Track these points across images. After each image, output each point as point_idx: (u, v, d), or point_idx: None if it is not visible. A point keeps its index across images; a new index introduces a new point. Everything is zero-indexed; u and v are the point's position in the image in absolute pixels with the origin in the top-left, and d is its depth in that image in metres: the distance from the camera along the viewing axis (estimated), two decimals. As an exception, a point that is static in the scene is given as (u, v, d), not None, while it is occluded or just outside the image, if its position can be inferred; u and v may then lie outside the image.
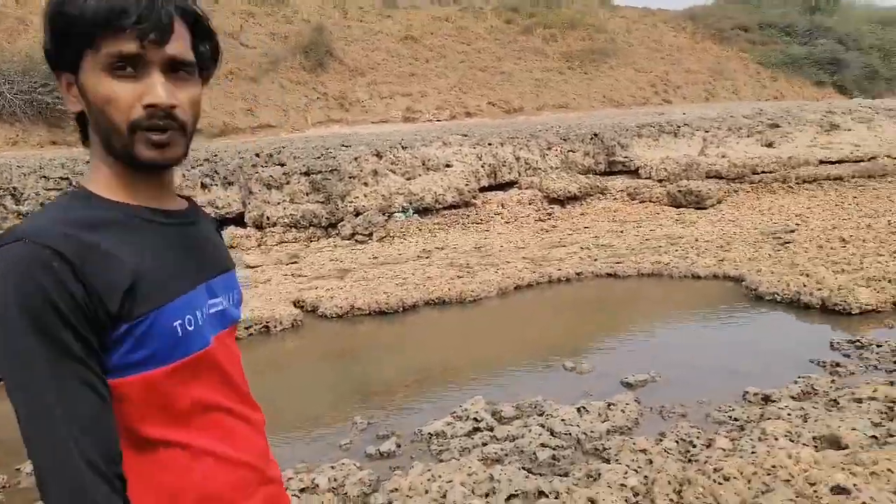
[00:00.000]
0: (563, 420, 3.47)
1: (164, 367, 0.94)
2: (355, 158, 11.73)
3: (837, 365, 4.12)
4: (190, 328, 0.97)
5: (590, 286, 6.87)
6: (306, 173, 11.26)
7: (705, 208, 11.67)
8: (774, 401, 3.60)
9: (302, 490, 3.08)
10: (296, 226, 10.58)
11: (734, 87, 19.59)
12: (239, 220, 10.68)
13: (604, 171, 13.72)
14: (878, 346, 4.31)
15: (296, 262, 8.94)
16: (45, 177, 9.82)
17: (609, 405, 3.65)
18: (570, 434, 3.37)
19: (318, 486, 3.10)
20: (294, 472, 3.22)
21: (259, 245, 10.15)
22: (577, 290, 6.78)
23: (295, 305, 6.47)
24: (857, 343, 4.42)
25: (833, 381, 3.78)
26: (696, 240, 8.48)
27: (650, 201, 12.47)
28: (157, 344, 0.93)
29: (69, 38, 0.92)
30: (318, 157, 11.52)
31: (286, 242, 10.23)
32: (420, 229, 10.72)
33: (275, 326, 5.90)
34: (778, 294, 5.60)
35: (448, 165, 12.56)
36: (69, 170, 10.00)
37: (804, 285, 5.51)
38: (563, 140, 13.99)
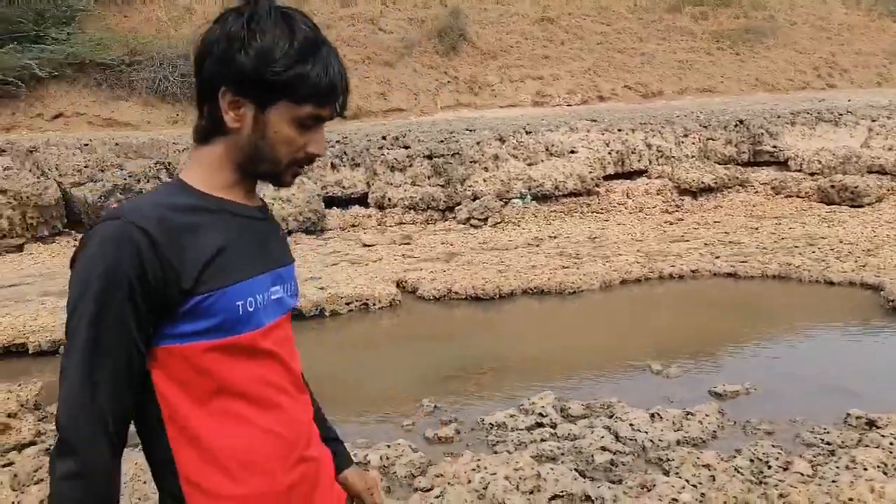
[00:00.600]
0: (631, 425, 3.26)
1: (222, 339, 1.06)
2: (477, 143, 11.74)
3: (974, 393, 3.54)
4: (250, 309, 1.08)
5: (704, 285, 6.40)
6: (429, 156, 11.41)
7: (861, 206, 10.48)
8: (879, 427, 3.15)
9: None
10: (415, 208, 10.79)
11: (915, 72, 17.33)
12: (362, 200, 11.06)
13: (747, 161, 12.71)
14: None
15: (408, 244, 9.12)
16: (193, 154, 10.73)
17: (687, 414, 3.37)
18: (635, 440, 3.16)
19: (369, 462, 3.15)
20: (351, 446, 3.29)
21: (379, 225, 10.46)
22: (689, 288, 6.35)
23: (397, 285, 6.60)
24: None
25: (959, 412, 3.25)
26: (841, 241, 7.62)
27: (797, 196, 11.40)
28: (219, 318, 1.05)
29: (282, 87, 1.05)
30: (442, 141, 11.64)
31: (404, 224, 10.46)
32: (535, 216, 10.54)
33: (373, 304, 6.06)
34: (919, 307, 4.90)
35: (573, 151, 12.21)
36: (214, 148, 10.85)
37: (953, 298, 4.78)
38: (702, 127, 13.12)
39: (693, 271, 6.72)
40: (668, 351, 4.52)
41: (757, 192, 11.70)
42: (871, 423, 3.21)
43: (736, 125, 13.01)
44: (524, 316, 5.84)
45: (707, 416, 3.33)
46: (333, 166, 11.32)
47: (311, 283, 6.56)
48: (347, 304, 6.04)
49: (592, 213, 10.91)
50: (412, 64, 15.39)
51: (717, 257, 7.23)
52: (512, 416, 3.53)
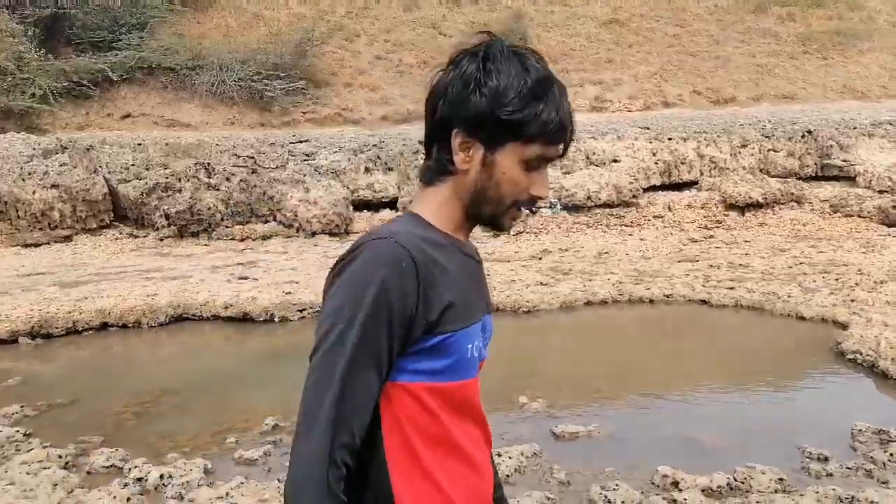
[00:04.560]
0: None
1: (451, 382, 1.05)
2: (514, 149, 11.60)
3: (825, 460, 3.12)
4: (475, 354, 1.09)
5: (668, 311, 6.02)
6: (462, 162, 11.41)
7: (925, 230, 9.41)
8: (680, 489, 2.87)
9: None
10: (440, 214, 10.84)
11: None
12: (393, 205, 11.24)
13: (813, 175, 11.74)
14: (906, 446, 3.15)
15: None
16: (235, 154, 11.34)
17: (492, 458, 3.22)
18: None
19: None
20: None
21: (402, 229, 10.60)
22: (650, 314, 6.00)
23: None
24: (883, 436, 3.28)
25: (780, 482, 2.88)
26: (860, 272, 6.89)
27: (858, 216, 10.40)
28: (453, 359, 1.05)
29: (513, 128, 1.05)
30: (476, 147, 11.60)
31: (426, 229, 10.54)
32: (559, 227, 10.28)
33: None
34: (861, 354, 4.36)
35: (615, 160, 11.80)
36: (255, 149, 11.42)
37: (899, 347, 4.22)
38: (765, 137, 12.25)
39: (667, 296, 6.34)
40: (555, 382, 4.31)
41: (813, 209, 10.79)
42: (676, 484, 2.93)
43: (803, 136, 12.04)
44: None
45: (511, 458, 3.17)
46: (367, 170, 11.56)
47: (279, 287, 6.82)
48: (300, 310, 6.20)
49: (621, 225, 10.48)
50: (466, 68, 15.41)
51: (709, 281, 6.77)
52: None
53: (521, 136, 1.04)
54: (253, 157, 11.32)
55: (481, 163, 1.07)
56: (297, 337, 5.74)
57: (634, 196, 11.07)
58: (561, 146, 1.09)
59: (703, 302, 6.14)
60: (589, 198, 10.85)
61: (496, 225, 1.12)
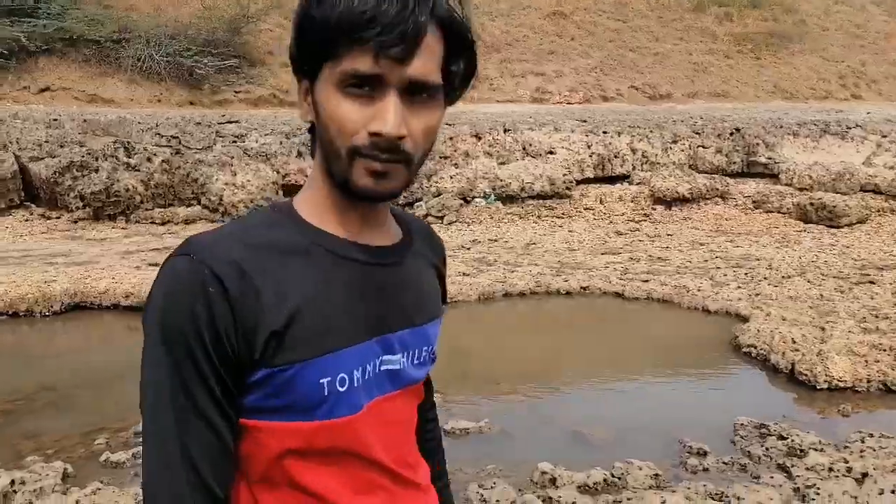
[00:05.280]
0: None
1: (302, 423, 0.83)
2: (450, 138, 11.52)
3: (703, 455, 3.15)
4: (341, 389, 0.83)
5: (583, 304, 6.05)
6: (397, 149, 11.30)
7: (838, 227, 9.76)
8: (557, 486, 2.85)
9: None
10: (372, 200, 10.70)
11: (954, 85, 15.99)
12: (324, 190, 11.03)
13: (738, 171, 12.05)
14: (781, 437, 3.21)
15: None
16: (158, 134, 10.91)
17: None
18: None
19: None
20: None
21: (331, 216, 10.41)
22: (565, 306, 6.01)
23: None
24: (763, 430, 3.33)
25: (656, 477, 2.89)
26: (770, 266, 7.07)
27: (778, 212, 10.72)
28: (294, 397, 0.82)
29: (311, 44, 0.81)
30: (411, 134, 11.49)
31: (356, 216, 10.39)
32: (492, 217, 10.25)
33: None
34: (756, 347, 4.45)
35: (551, 152, 11.85)
36: (180, 129, 11.02)
37: (791, 341, 4.31)
38: (695, 133, 12.51)
39: (584, 288, 6.36)
40: (455, 377, 4.25)
41: (737, 205, 11.05)
42: (553, 481, 2.90)
43: (731, 133, 12.33)
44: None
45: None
46: (299, 154, 11.31)
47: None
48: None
49: (553, 217, 10.53)
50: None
51: (626, 274, 6.84)
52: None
53: (327, 48, 0.78)
54: (177, 137, 10.91)
55: (313, 105, 0.83)
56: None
57: (568, 188, 11.13)
58: (373, 45, 0.76)
59: (618, 294, 6.19)
60: (523, 189, 10.86)
61: (350, 189, 0.82)
